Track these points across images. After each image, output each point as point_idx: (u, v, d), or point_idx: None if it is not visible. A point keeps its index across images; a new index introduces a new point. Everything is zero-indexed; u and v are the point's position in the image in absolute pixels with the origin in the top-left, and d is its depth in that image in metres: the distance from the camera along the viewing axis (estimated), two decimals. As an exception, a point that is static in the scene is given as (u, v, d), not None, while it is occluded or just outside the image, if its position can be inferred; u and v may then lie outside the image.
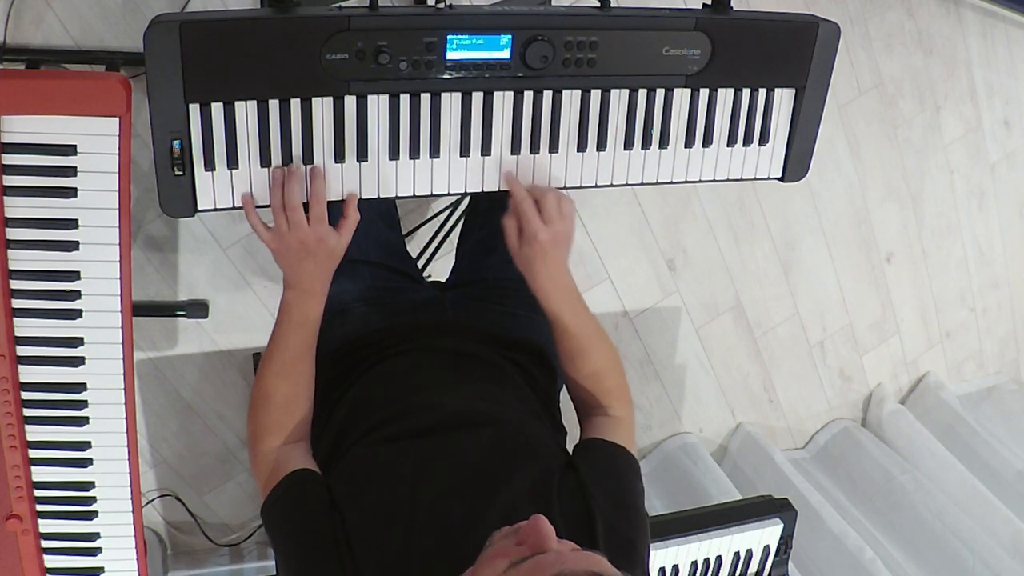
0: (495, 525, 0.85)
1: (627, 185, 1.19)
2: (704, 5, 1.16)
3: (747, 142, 1.23)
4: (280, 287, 1.10)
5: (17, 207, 1.01)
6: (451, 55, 1.04)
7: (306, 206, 1.04)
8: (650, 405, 2.47)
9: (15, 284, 1.03)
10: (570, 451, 1.12)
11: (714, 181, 1.24)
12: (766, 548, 1.49)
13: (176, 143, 0.99)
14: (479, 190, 1.14)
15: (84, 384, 1.10)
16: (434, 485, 0.96)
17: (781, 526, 1.48)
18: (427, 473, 0.97)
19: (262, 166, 1.03)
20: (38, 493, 1.14)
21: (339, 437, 1.09)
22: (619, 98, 1.14)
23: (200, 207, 1.03)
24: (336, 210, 1.07)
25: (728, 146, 1.22)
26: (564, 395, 1.34)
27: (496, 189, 1.14)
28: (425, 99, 1.06)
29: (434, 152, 1.09)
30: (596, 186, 1.18)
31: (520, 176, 1.14)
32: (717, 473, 2.38)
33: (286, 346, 1.08)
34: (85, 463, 1.13)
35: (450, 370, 1.17)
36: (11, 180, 0.99)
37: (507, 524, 0.83)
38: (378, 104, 1.05)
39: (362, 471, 1.00)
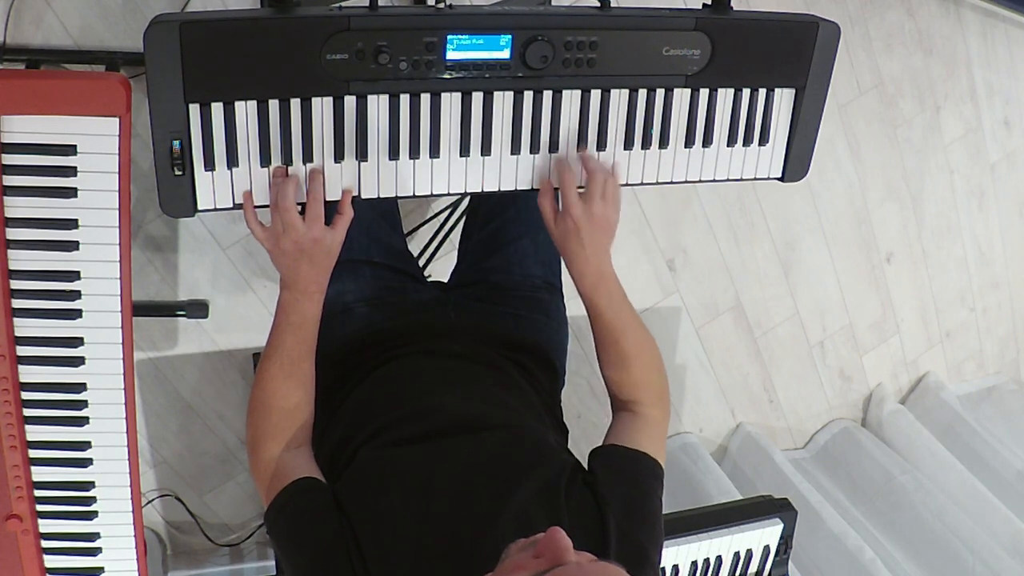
0: (506, 532, 0.85)
1: (627, 185, 1.19)
2: (704, 5, 1.16)
3: (747, 142, 1.22)
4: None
5: (17, 207, 1.00)
6: (451, 55, 1.04)
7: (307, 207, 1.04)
8: (650, 405, 2.47)
9: (15, 284, 1.03)
10: (572, 450, 1.12)
11: (714, 181, 1.24)
12: (766, 548, 1.49)
13: (176, 143, 0.99)
14: (479, 190, 1.13)
15: (84, 384, 1.09)
16: (444, 491, 0.95)
17: (781, 526, 1.48)
18: (436, 478, 0.97)
19: (262, 166, 1.03)
20: (38, 493, 1.14)
21: (343, 439, 1.09)
22: (619, 98, 1.14)
23: (200, 207, 1.03)
24: (330, 210, 1.07)
25: (728, 146, 1.22)
26: (565, 395, 1.34)
27: (496, 189, 1.14)
28: (425, 99, 1.06)
29: (434, 152, 1.09)
30: (596, 186, 1.18)
31: (520, 176, 1.14)
32: (717, 473, 2.38)
33: (284, 348, 1.07)
34: (85, 463, 1.13)
35: (454, 373, 1.17)
36: (11, 180, 0.99)
37: (518, 530, 0.82)
38: (378, 104, 1.05)
39: (370, 475, 0.99)
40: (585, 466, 1.05)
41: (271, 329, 1.09)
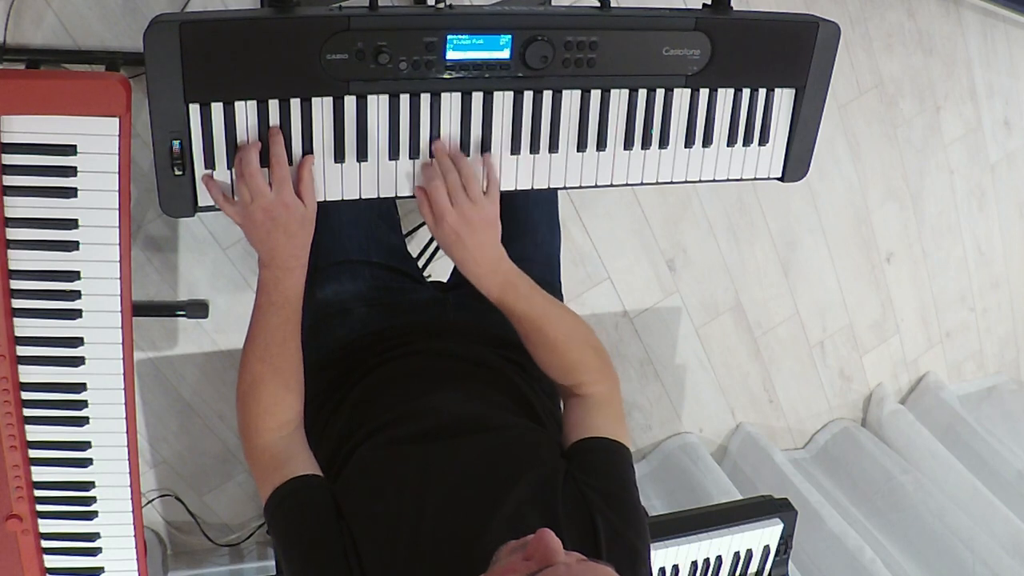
0: (501, 534, 0.85)
1: (627, 185, 1.19)
2: (704, 5, 1.16)
3: (747, 142, 1.23)
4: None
5: (17, 207, 1.00)
6: (451, 55, 1.04)
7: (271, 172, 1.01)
8: (650, 405, 2.47)
9: (15, 284, 1.03)
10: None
11: (714, 181, 1.24)
12: (766, 548, 1.49)
13: (176, 143, 0.99)
14: (479, 190, 1.13)
15: (84, 384, 1.09)
16: (439, 492, 0.95)
17: (781, 526, 1.48)
18: (432, 479, 0.97)
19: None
20: (38, 493, 1.14)
21: (341, 439, 1.09)
22: (619, 98, 1.14)
23: (200, 207, 1.03)
24: (329, 209, 1.06)
25: (728, 146, 1.22)
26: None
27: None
28: (425, 99, 1.06)
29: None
30: (596, 186, 1.18)
31: (520, 176, 1.14)
32: (717, 473, 2.38)
33: (269, 329, 1.04)
34: (85, 463, 1.13)
35: (452, 374, 1.16)
36: (11, 180, 0.99)
37: (512, 532, 0.82)
38: (378, 104, 1.05)
39: (367, 476, 0.99)
40: None
41: (253, 310, 1.06)
